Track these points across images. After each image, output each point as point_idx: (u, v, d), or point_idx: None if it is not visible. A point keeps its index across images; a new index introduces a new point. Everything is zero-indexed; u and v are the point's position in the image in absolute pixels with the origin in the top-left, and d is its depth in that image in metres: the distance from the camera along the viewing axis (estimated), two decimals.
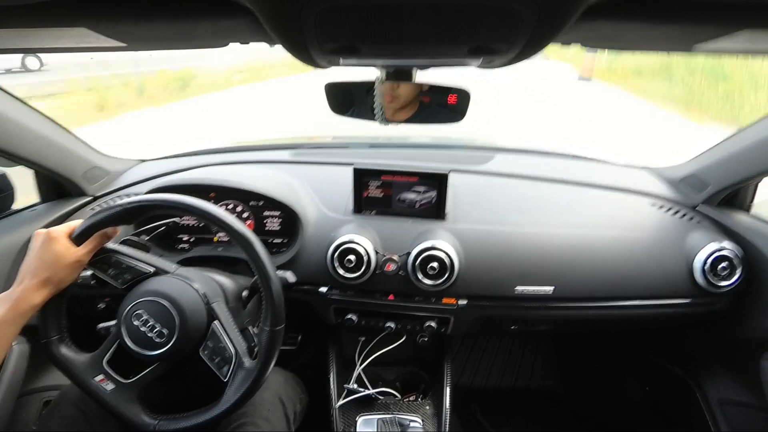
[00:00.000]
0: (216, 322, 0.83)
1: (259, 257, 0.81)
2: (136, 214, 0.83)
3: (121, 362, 0.84)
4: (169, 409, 0.83)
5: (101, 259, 0.85)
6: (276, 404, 0.98)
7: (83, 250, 0.80)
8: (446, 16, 0.46)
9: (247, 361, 0.80)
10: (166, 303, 0.80)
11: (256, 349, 0.82)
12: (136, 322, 0.79)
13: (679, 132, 6.39)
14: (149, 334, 0.79)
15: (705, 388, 1.23)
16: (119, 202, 0.83)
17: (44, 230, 0.78)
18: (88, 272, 0.86)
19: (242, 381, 0.79)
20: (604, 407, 1.64)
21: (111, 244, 0.86)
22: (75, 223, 0.81)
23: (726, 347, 1.22)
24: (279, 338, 0.80)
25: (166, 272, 0.87)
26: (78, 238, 0.80)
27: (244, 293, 0.95)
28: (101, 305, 1.14)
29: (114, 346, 0.84)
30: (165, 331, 0.79)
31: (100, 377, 0.82)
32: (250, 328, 0.88)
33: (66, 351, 0.83)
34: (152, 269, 0.86)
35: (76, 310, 1.15)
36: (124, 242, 0.91)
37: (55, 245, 0.76)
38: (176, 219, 0.95)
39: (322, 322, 1.21)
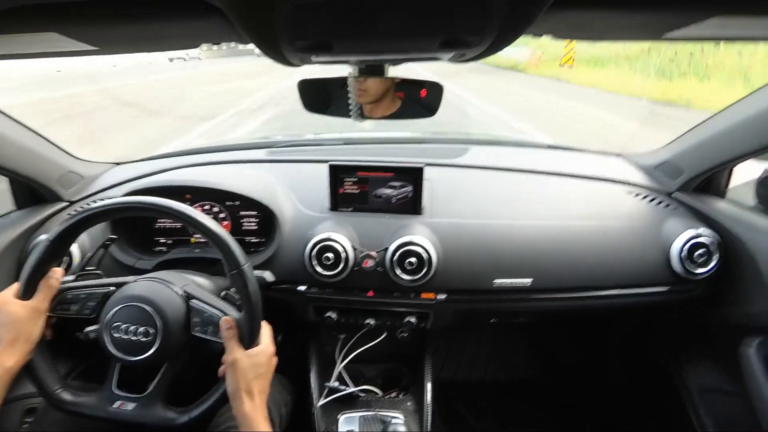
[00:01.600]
0: (193, 300, 0.83)
1: (183, 208, 0.79)
2: (64, 242, 0.82)
3: (130, 380, 0.83)
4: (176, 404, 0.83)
5: (59, 300, 0.84)
6: None
7: (36, 300, 0.79)
8: (418, 8, 0.45)
9: (238, 315, 0.79)
10: (136, 303, 0.79)
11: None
12: (117, 335, 0.79)
13: None
14: (134, 338, 0.78)
15: (685, 377, 1.23)
16: (46, 238, 0.81)
17: None
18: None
19: (241, 332, 0.78)
20: (587, 397, 1.64)
21: (63, 285, 0.85)
22: (16, 284, 0.81)
23: (705, 335, 1.22)
24: (247, 276, 0.78)
25: (126, 283, 0.86)
26: (24, 294, 0.79)
27: (223, 294, 0.94)
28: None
29: (117, 372, 0.83)
30: (150, 329, 0.78)
31: (118, 403, 0.82)
32: (228, 291, 0.89)
33: (73, 397, 0.82)
34: (112, 288, 0.86)
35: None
36: (75, 279, 0.91)
37: (7, 307, 0.77)
38: (114, 236, 0.98)
39: (302, 321, 1.20)
